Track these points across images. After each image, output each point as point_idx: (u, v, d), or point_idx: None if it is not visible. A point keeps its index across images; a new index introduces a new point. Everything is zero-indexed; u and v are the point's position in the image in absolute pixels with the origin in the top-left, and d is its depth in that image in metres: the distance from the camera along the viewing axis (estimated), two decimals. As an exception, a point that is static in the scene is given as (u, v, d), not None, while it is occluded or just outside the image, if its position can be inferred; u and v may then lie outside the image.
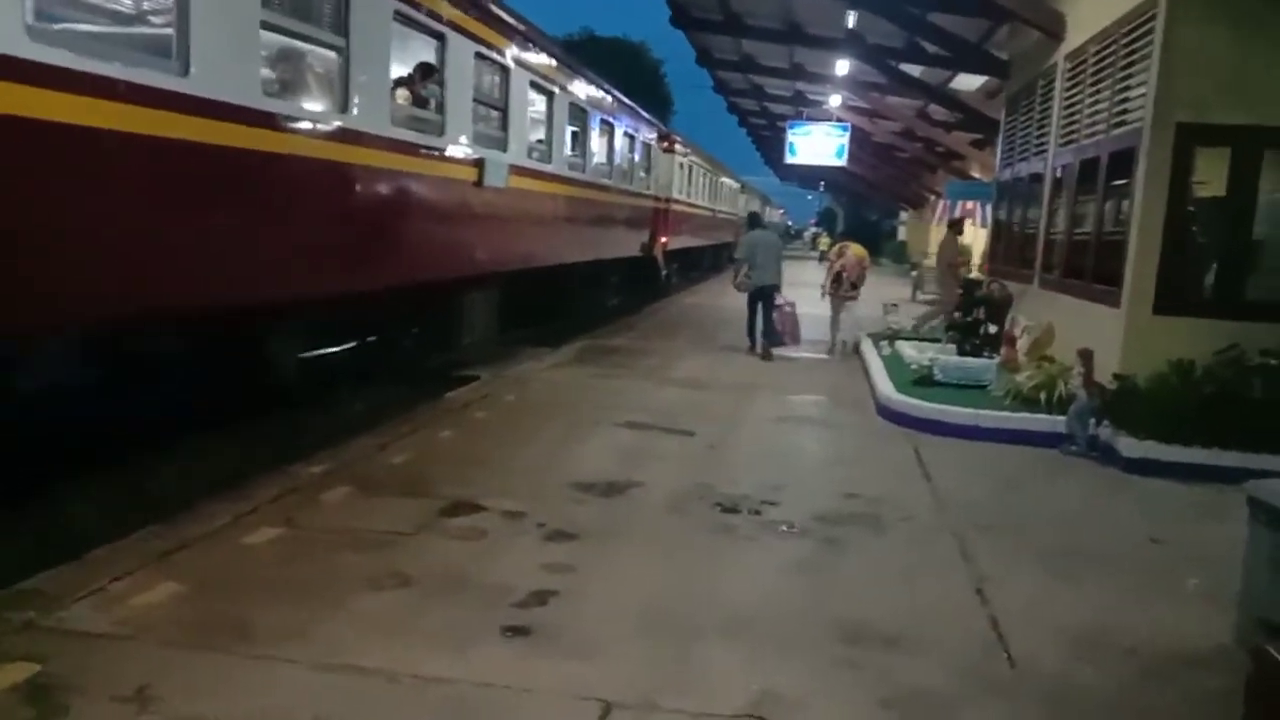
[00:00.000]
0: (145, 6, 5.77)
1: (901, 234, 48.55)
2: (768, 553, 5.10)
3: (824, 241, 45.56)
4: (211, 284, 5.75)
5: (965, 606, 4.49)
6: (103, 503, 5.51)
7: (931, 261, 28.45)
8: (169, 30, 5.24)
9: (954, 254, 15.36)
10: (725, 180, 33.19)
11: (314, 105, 6.83)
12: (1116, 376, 7.55)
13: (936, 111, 22.64)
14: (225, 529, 4.92)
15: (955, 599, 4.58)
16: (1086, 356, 7.61)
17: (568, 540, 5.04)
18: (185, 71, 5.21)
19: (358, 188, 7.28)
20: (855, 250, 13.98)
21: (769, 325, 12.72)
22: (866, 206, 59.95)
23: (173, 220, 5.32)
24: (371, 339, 9.45)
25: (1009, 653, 4.00)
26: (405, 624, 3.95)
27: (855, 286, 13.69)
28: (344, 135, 6.93)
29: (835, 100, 25.00)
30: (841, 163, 27.86)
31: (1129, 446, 7.10)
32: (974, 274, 20.34)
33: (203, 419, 6.69)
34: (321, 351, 8.50)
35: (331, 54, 6.85)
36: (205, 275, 5.68)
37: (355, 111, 7.00)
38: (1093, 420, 7.50)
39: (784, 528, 5.47)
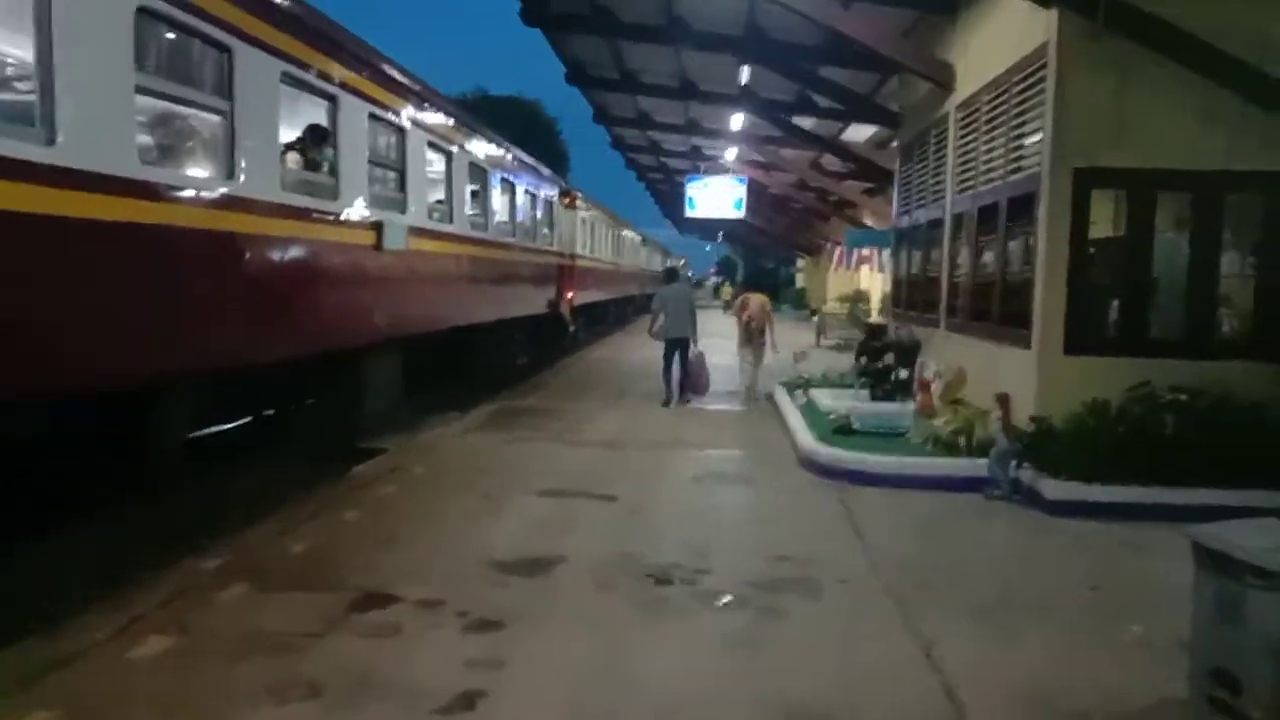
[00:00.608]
0: (5, 72, 5.32)
1: (800, 281, 49.59)
2: (703, 628, 4.83)
3: (726, 291, 46.11)
4: (82, 363, 5.26)
5: (914, 674, 4.29)
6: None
7: (830, 308, 29.08)
8: (31, 96, 4.81)
9: None
10: (627, 234, 33.31)
11: (197, 172, 6.42)
12: (1033, 419, 7.57)
13: (829, 162, 23.21)
14: (108, 641, 4.41)
15: (903, 666, 4.37)
16: (1004, 400, 7.63)
17: (492, 630, 4.67)
18: (51, 140, 4.78)
19: (248, 256, 6.85)
20: (756, 299, 14.18)
21: (684, 376, 12.97)
22: (765, 255, 61.13)
23: (35, 299, 4.84)
24: (268, 412, 8.94)
25: (968, 724, 3.81)
26: (315, 743, 3.55)
27: (762, 333, 13.78)
28: (231, 203, 6.52)
29: (731, 154, 25.41)
30: (739, 214, 28.28)
31: (1051, 488, 7.10)
32: (874, 318, 20.81)
33: (76, 510, 6.10)
34: (212, 429, 7.97)
35: (215, 118, 6.46)
36: (76, 354, 5.18)
37: (242, 178, 6.60)
38: (1014, 463, 7.49)
39: (724, 599, 5.21)
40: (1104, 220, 8.08)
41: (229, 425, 8.47)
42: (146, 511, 6.65)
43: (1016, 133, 8.89)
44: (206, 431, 7.78)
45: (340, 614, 4.83)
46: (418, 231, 10.09)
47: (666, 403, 12.83)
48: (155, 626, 4.58)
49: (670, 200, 42.18)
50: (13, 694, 3.82)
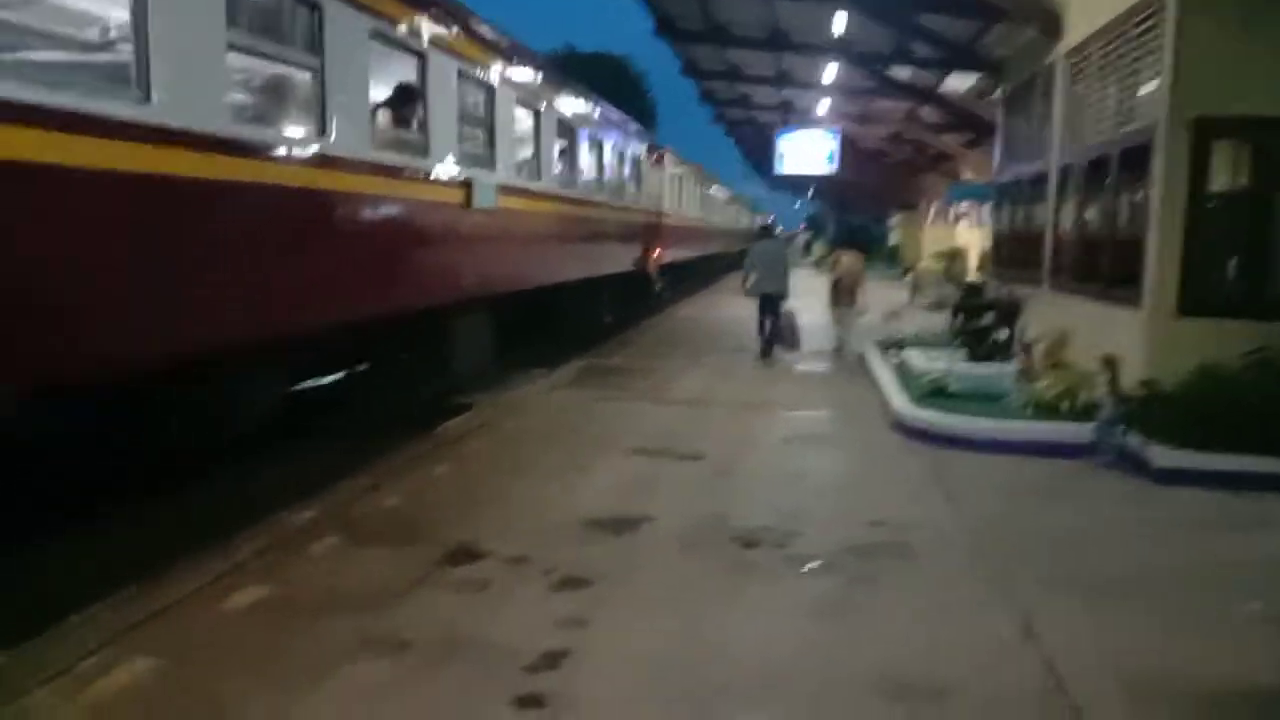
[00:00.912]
0: (101, 33, 5.42)
1: (893, 238, 48.31)
2: (794, 594, 4.72)
3: (818, 249, 45.25)
4: (184, 328, 5.37)
5: (1015, 649, 4.11)
6: (71, 566, 5.11)
7: (925, 265, 28.24)
8: (127, 57, 4.88)
9: None
10: (715, 191, 32.91)
11: (289, 130, 6.47)
12: (1143, 383, 7.20)
13: (927, 114, 22.42)
14: (206, 590, 4.53)
15: (1003, 640, 4.20)
16: (1111, 363, 7.27)
17: (578, 588, 4.65)
18: (146, 99, 4.84)
19: (339, 215, 6.92)
20: (849, 256, 14.04)
21: (773, 331, 13.04)
22: (856, 211, 59.75)
23: (133, 260, 4.95)
24: (361, 368, 9.10)
25: (1073, 702, 3.63)
26: (402, 697, 3.57)
27: (852, 292, 13.59)
28: (322, 161, 6.57)
29: (823, 106, 24.77)
30: (831, 168, 27.64)
31: (1161, 456, 6.74)
32: (972, 276, 20.14)
33: (179, 466, 6.29)
34: (307, 384, 8.14)
35: (306, 75, 6.50)
36: (178, 319, 5.30)
37: (334, 136, 6.64)
38: (1119, 429, 7.15)
39: (813, 563, 5.08)
40: (1223, 173, 7.57)
41: (321, 381, 8.65)
42: (241, 465, 6.83)
43: (1130, 81, 8.38)
44: (302, 387, 7.95)
45: (429, 569, 4.88)
46: (507, 189, 10.08)
47: (760, 353, 12.98)
48: (251, 578, 4.69)
49: (759, 155, 41.50)
50: (117, 640, 3.95)
